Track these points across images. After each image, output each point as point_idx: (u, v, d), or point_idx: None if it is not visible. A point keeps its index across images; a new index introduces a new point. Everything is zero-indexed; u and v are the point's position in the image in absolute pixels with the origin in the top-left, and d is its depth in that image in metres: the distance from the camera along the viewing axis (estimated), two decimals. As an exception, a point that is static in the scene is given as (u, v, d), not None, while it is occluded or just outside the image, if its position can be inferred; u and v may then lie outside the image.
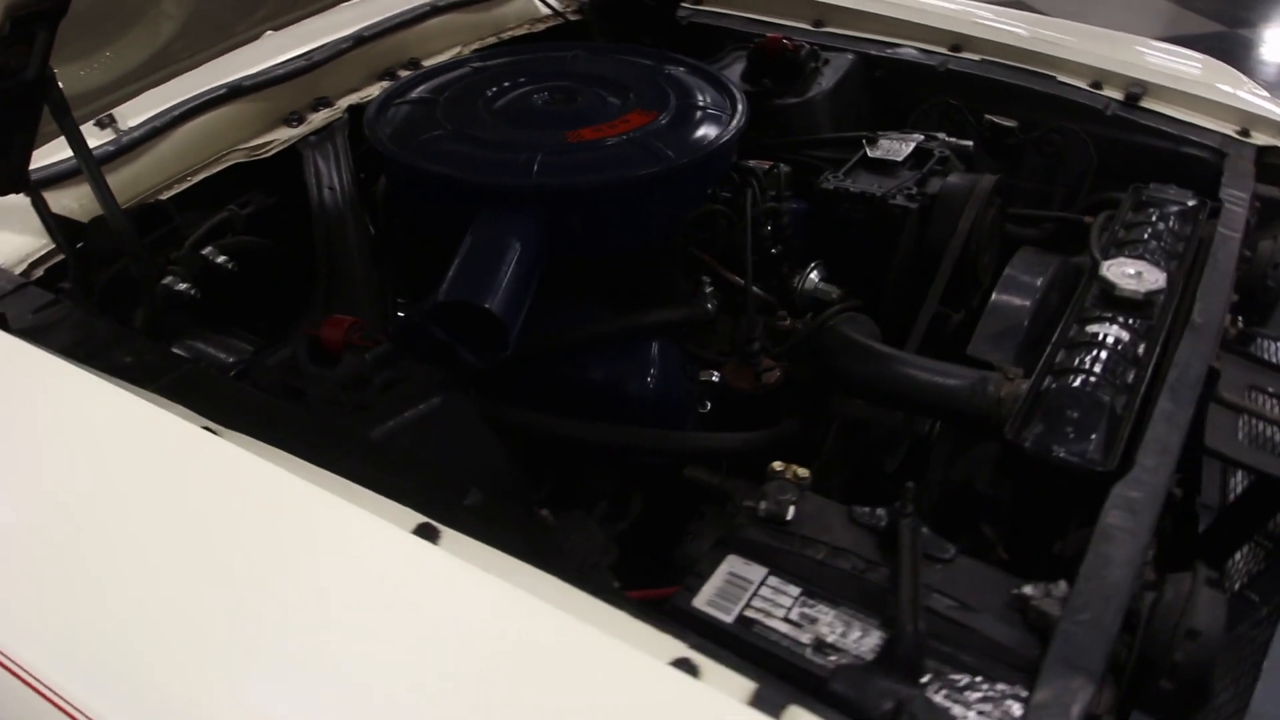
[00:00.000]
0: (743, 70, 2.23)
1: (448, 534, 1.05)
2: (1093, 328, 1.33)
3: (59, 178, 1.62)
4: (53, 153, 1.62)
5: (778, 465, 1.23)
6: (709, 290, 1.65)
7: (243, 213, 1.77)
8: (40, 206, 1.40)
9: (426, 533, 1.05)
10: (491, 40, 2.30)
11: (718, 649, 0.95)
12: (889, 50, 2.24)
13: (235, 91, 1.82)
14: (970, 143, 1.96)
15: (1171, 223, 1.56)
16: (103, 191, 1.34)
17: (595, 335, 1.57)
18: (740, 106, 1.73)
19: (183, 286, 1.58)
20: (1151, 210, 1.60)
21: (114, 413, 1.15)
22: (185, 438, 1.13)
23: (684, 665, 0.92)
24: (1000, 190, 1.77)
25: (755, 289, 1.66)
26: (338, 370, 1.29)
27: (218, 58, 1.65)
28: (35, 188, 1.37)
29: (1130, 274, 1.40)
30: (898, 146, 1.85)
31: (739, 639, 1.06)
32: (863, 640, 1.05)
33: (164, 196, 1.70)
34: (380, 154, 1.62)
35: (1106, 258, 1.46)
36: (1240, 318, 1.55)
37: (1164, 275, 1.40)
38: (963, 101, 2.14)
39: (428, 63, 2.11)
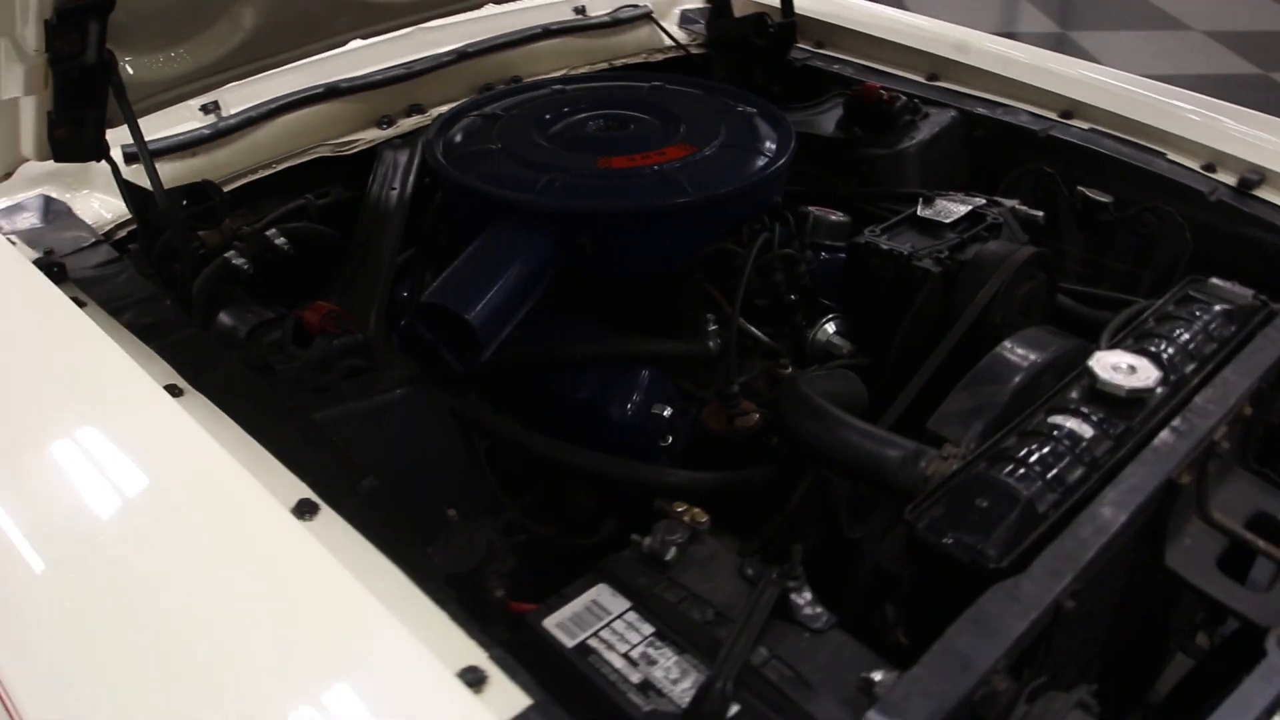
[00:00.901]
0: (839, 117, 2.20)
1: (325, 513, 1.13)
2: (1056, 419, 1.24)
3: (167, 150, 1.84)
4: (158, 129, 1.85)
5: (678, 506, 1.22)
6: (712, 328, 1.65)
7: (318, 203, 1.93)
8: (116, 174, 1.60)
9: (304, 508, 1.13)
10: (602, 66, 2.38)
11: (515, 665, 0.97)
12: (993, 110, 2.15)
13: (332, 91, 2.00)
14: (1040, 213, 1.84)
15: (1211, 321, 1.42)
16: (150, 167, 1.52)
17: (586, 355, 1.60)
18: (786, 153, 1.72)
19: (239, 261, 1.75)
20: (1197, 305, 1.46)
21: (92, 360, 1.31)
22: (142, 390, 1.26)
23: (470, 673, 0.95)
24: (1045, 264, 1.66)
25: (761, 335, 1.64)
26: (308, 351, 1.40)
27: (308, 58, 1.81)
28: (110, 156, 1.56)
29: (1121, 368, 1.29)
30: (952, 208, 1.78)
31: (570, 665, 1.07)
32: (689, 690, 1.04)
33: (250, 180, 1.89)
34: (426, 158, 1.73)
35: (1112, 347, 1.35)
36: None
37: (1159, 374, 1.28)
38: (1060, 170, 2.02)
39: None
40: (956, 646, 0.97)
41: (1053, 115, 2.09)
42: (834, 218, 1.90)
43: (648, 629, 1.11)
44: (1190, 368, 1.35)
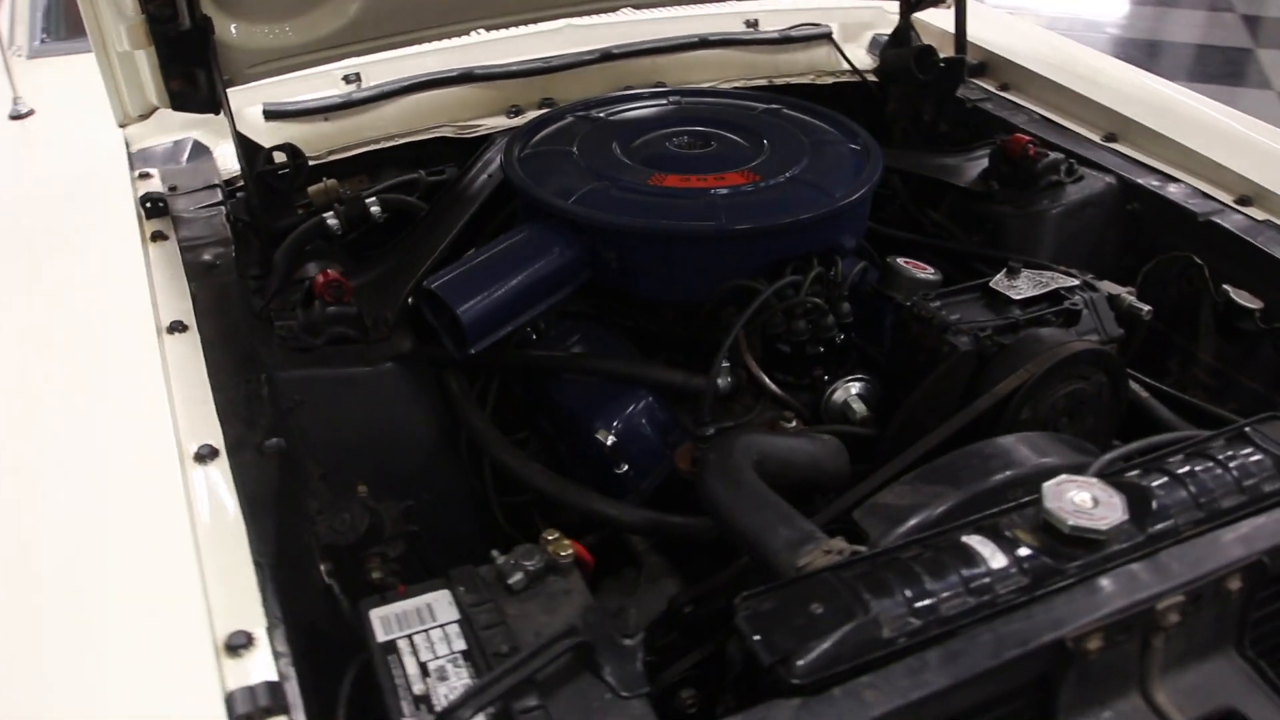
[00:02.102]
0: (985, 167, 2.01)
1: (219, 461, 1.22)
2: (974, 539, 1.07)
3: (303, 113, 2.03)
4: (300, 93, 2.04)
5: (550, 534, 1.20)
6: (725, 365, 1.58)
7: (429, 179, 2.04)
8: (232, 126, 1.79)
9: (204, 453, 1.23)
10: (760, 83, 2.32)
11: (286, 641, 1.01)
12: (1156, 182, 1.87)
13: (466, 76, 2.10)
14: (1147, 307, 1.59)
15: (1254, 472, 1.17)
16: (231, 124, 1.68)
17: (589, 368, 1.60)
18: (851, 198, 1.61)
19: (333, 222, 1.90)
20: (1250, 447, 1.20)
21: (117, 287, 1.48)
22: (139, 323, 1.41)
23: (237, 636, 1.00)
24: (1105, 365, 1.43)
25: (768, 382, 1.55)
26: (306, 314, 1.50)
27: (427, 44, 1.91)
28: (227, 110, 1.73)
29: (1082, 501, 1.10)
30: (1033, 283, 1.57)
31: (370, 657, 1.09)
32: (457, 715, 1.02)
33: (373, 149, 2.04)
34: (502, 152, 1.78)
35: (1103, 475, 1.15)
36: None
37: (1125, 519, 1.07)
38: (1213, 263, 1.73)
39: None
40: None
41: (1228, 198, 1.78)
42: (921, 274, 1.75)
43: (459, 646, 1.10)
44: (1190, 519, 1.12)
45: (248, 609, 1.05)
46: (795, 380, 1.59)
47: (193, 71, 1.66)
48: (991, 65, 2.33)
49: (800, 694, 0.94)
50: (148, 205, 1.75)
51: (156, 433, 1.22)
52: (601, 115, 1.91)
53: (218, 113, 1.77)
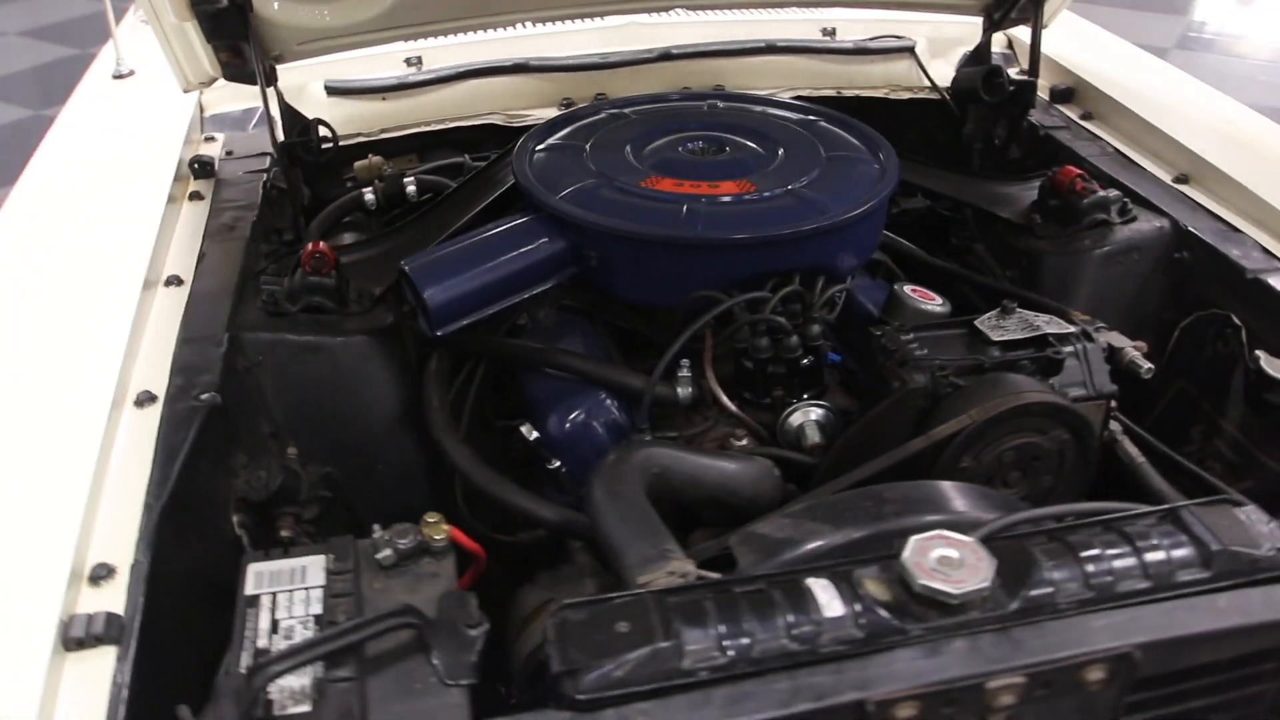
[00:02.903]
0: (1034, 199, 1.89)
1: (154, 408, 1.31)
2: (818, 583, 1.02)
3: (362, 91, 2.14)
4: (362, 72, 2.15)
5: (430, 518, 1.22)
6: (683, 374, 1.56)
7: (474, 164, 2.10)
8: (279, 97, 1.90)
9: (144, 398, 1.32)
10: (828, 93, 2.25)
11: (144, 579, 1.08)
12: (1215, 231, 1.69)
13: (521, 67, 2.15)
14: (1149, 365, 1.46)
15: (1170, 558, 1.05)
16: (265, 99, 1.78)
17: (555, 362, 1.60)
18: (837, 219, 1.55)
19: (370, 198, 1.99)
20: (1177, 531, 1.09)
21: (130, 241, 1.60)
22: (137, 274, 1.53)
23: (101, 570, 1.08)
24: (1070, 423, 1.32)
25: (723, 398, 1.52)
26: (290, 280, 1.58)
27: (477, 31, 1.96)
28: (262, 83, 1.83)
29: (939, 558, 1.02)
30: (1022, 325, 1.47)
31: (233, 605, 1.15)
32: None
33: (424, 130, 2.12)
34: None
35: (985, 539, 1.07)
36: None
37: (986, 586, 0.99)
38: (1257, 325, 1.56)
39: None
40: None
41: None
42: (926, 305, 1.68)
43: (315, 610, 1.14)
44: (1074, 598, 1.03)
45: (121, 545, 1.12)
46: (756, 399, 1.55)
47: (239, 45, 1.78)
48: (1079, 91, 2.18)
49: (576, 709, 0.93)
50: (194, 166, 1.89)
51: (105, 374, 1.33)
52: (630, 114, 1.91)
53: (254, 83, 1.89)
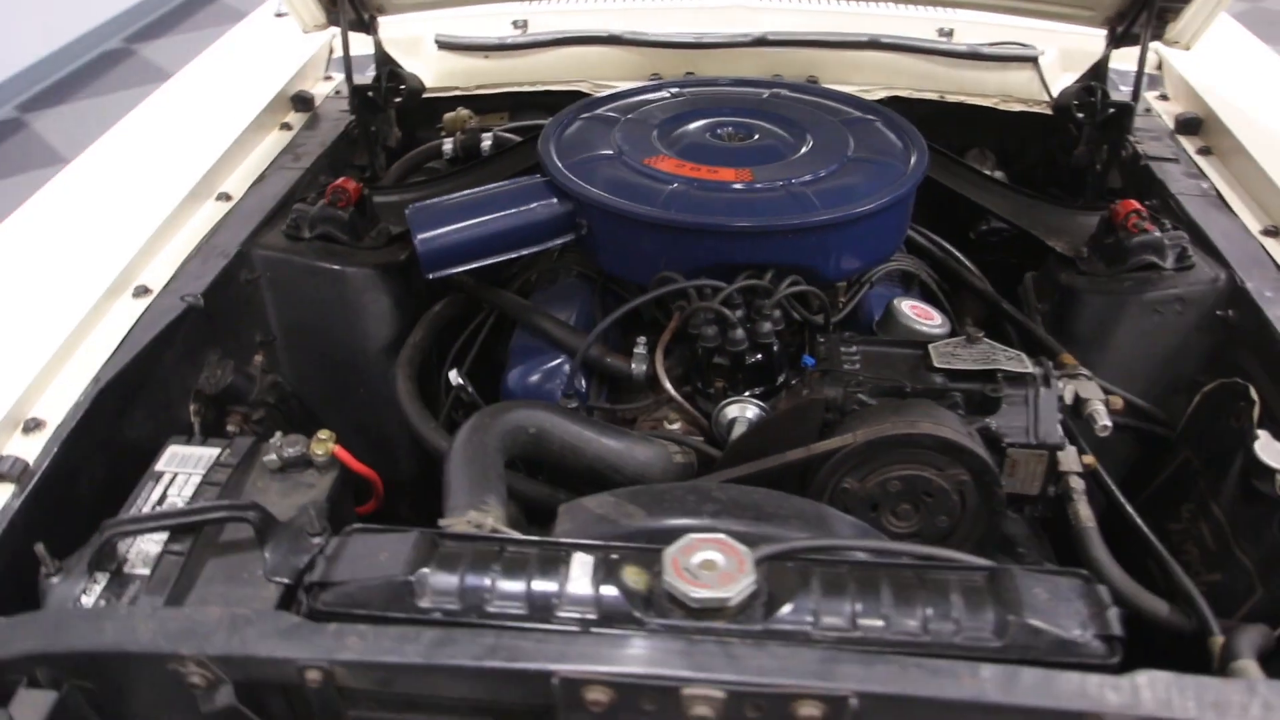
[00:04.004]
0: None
1: (145, 299, 1.50)
2: (582, 560, 1.03)
3: (466, 47, 2.27)
4: (472, 30, 2.28)
5: (322, 434, 1.33)
6: (639, 351, 1.57)
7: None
8: (378, 45, 2.07)
9: (141, 290, 1.52)
10: (930, 96, 2.14)
11: (77, 445, 1.27)
12: (1271, 292, 1.48)
13: (614, 39, 2.20)
14: (1107, 425, 1.32)
15: (942, 613, 0.97)
16: (345, 49, 1.94)
17: (531, 322, 1.66)
18: (817, 221, 1.51)
19: (448, 148, 2.13)
20: (973, 593, 1.00)
21: (204, 154, 1.81)
22: (199, 181, 1.73)
23: (33, 423, 1.28)
24: (969, 464, 1.22)
25: (664, 381, 1.52)
26: (312, 209, 1.73)
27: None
28: (344, 32, 1.98)
29: (699, 561, 1.00)
30: (968, 357, 1.37)
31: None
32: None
33: (516, 90, 2.23)
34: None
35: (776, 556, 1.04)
36: None
37: (727, 597, 0.97)
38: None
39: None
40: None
41: None
42: (921, 323, 1.59)
43: (179, 505, 1.28)
44: (830, 634, 0.99)
45: (60, 407, 1.31)
46: (702, 388, 1.54)
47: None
48: (1206, 123, 1.95)
49: (310, 616, 1.01)
50: (294, 100, 2.09)
51: (116, 265, 1.53)
52: (686, 93, 1.92)
53: (368, 32, 2.06)
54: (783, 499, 1.17)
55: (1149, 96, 2.12)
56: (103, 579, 1.17)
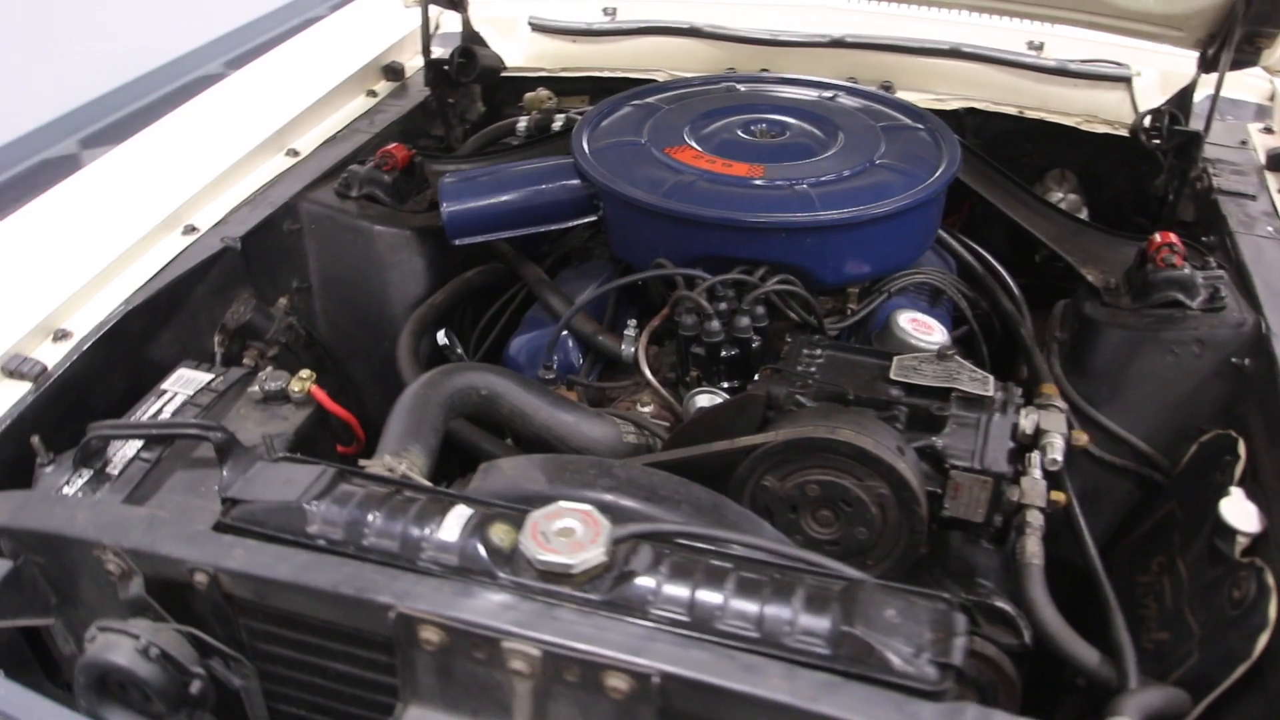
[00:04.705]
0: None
1: (192, 237, 1.67)
2: (460, 512, 1.09)
3: (557, 30, 2.36)
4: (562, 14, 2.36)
5: (303, 373, 1.44)
6: (628, 334, 1.61)
7: (629, 112, 2.24)
8: (466, 22, 2.18)
9: (190, 229, 1.68)
10: (1008, 110, 2.06)
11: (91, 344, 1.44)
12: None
13: (694, 31, 2.22)
14: (1058, 460, 1.25)
15: (779, 612, 0.97)
16: (424, 27, 2.06)
17: (544, 299, 1.73)
18: (809, 221, 1.51)
19: (521, 126, 2.22)
20: (821, 597, 0.99)
21: (275, 117, 1.97)
22: (260, 138, 1.90)
23: (62, 333, 1.45)
24: (889, 478, 1.19)
25: (644, 364, 1.55)
26: (362, 171, 1.85)
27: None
28: (424, 11, 2.09)
29: (558, 527, 1.03)
30: (930, 373, 1.33)
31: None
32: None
33: (596, 75, 2.29)
34: None
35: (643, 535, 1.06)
36: None
37: (570, 564, 1.00)
38: (1271, 464, 1.26)
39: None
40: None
41: None
42: (918, 337, 1.56)
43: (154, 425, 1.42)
44: (667, 615, 1.01)
45: (89, 322, 1.49)
46: (678, 375, 1.57)
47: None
48: (1295, 159, 1.79)
49: (217, 529, 1.12)
50: (386, 71, 2.24)
51: (174, 204, 1.70)
52: (739, 89, 1.94)
53: (458, 10, 2.18)
54: (681, 484, 1.19)
55: (1252, 128, 1.97)
56: (86, 474, 1.32)
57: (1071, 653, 1.22)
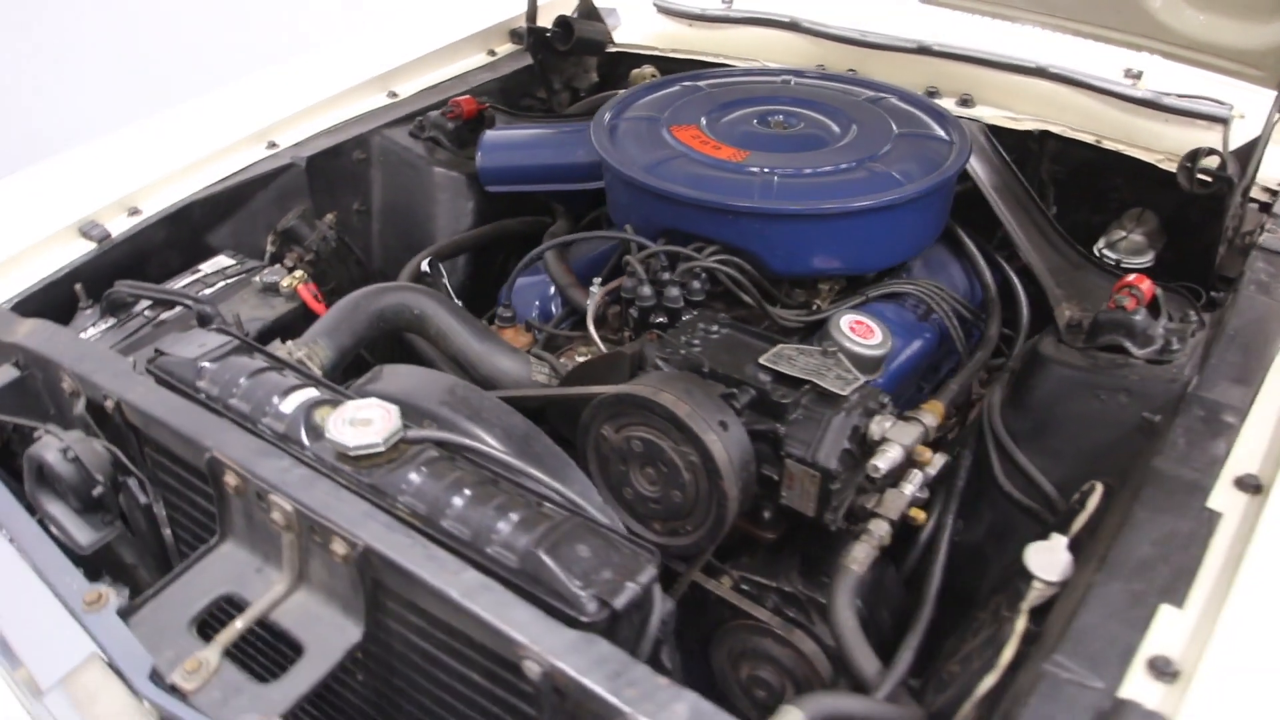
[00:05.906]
0: None
1: (273, 152, 1.97)
2: (303, 395, 1.27)
3: (672, 12, 2.48)
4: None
5: (297, 272, 1.69)
6: (592, 290, 1.72)
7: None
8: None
9: (270, 145, 1.98)
10: (1085, 138, 1.94)
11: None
12: (1226, 409, 1.25)
13: (793, 25, 2.26)
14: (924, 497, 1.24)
15: (487, 524, 1.06)
16: (531, 5, 2.24)
17: (537, 246, 1.87)
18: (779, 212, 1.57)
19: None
20: (531, 523, 1.07)
21: (383, 60, 2.24)
22: (369, 74, 2.17)
23: (134, 209, 1.78)
24: (691, 438, 1.23)
25: (590, 316, 1.66)
26: (434, 115, 2.08)
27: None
28: None
29: (357, 417, 1.19)
30: (802, 364, 1.35)
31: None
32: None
33: (690, 58, 2.39)
34: None
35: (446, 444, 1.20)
36: None
37: (343, 445, 1.15)
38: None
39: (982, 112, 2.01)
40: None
41: None
42: (857, 343, 1.56)
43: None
44: (410, 507, 1.14)
45: (160, 203, 1.81)
46: (614, 333, 1.66)
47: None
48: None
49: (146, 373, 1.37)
50: (512, 34, 2.46)
51: (263, 123, 2.01)
52: (791, 83, 1.97)
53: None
54: (506, 412, 1.31)
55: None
56: (109, 322, 1.64)
57: (853, 659, 1.23)
